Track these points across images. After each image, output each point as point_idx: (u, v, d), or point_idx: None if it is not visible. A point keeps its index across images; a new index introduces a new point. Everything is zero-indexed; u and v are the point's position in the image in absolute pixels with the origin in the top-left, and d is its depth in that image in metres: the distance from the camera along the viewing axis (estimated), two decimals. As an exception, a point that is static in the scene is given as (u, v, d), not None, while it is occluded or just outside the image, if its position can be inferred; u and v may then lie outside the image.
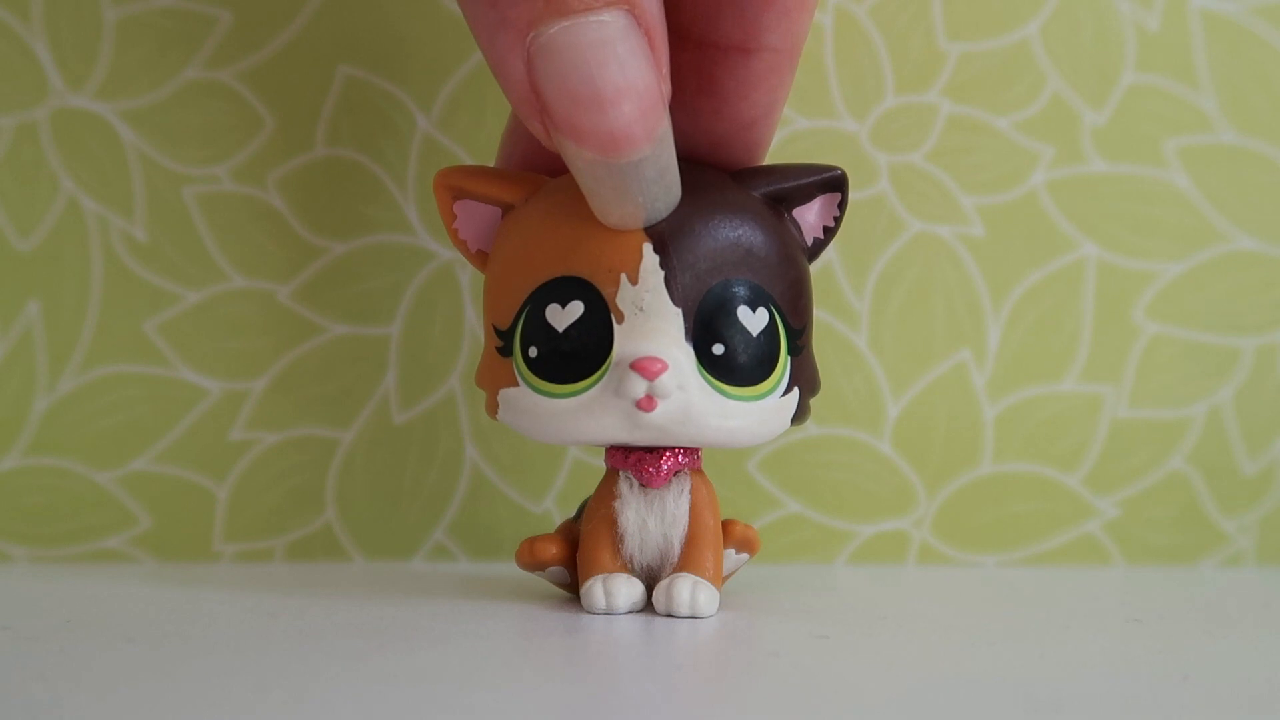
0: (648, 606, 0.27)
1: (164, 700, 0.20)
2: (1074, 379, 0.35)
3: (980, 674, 0.23)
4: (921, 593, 0.32)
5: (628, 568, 0.27)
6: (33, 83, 0.33)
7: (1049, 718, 0.20)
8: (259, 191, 0.34)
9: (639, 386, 0.26)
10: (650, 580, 0.28)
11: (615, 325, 0.26)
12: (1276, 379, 0.36)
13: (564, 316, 0.26)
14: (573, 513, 0.31)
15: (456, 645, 0.24)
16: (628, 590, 0.27)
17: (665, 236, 0.26)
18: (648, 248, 0.26)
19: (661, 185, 0.25)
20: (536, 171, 0.28)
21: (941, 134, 0.35)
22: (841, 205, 0.28)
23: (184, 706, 0.20)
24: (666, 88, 0.24)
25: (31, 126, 0.33)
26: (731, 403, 0.26)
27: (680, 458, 0.27)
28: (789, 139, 0.34)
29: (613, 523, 0.27)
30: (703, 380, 0.26)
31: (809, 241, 0.28)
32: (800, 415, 0.28)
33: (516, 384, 0.27)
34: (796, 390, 0.27)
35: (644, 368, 0.25)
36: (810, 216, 0.28)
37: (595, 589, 0.27)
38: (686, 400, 0.26)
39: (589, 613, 0.27)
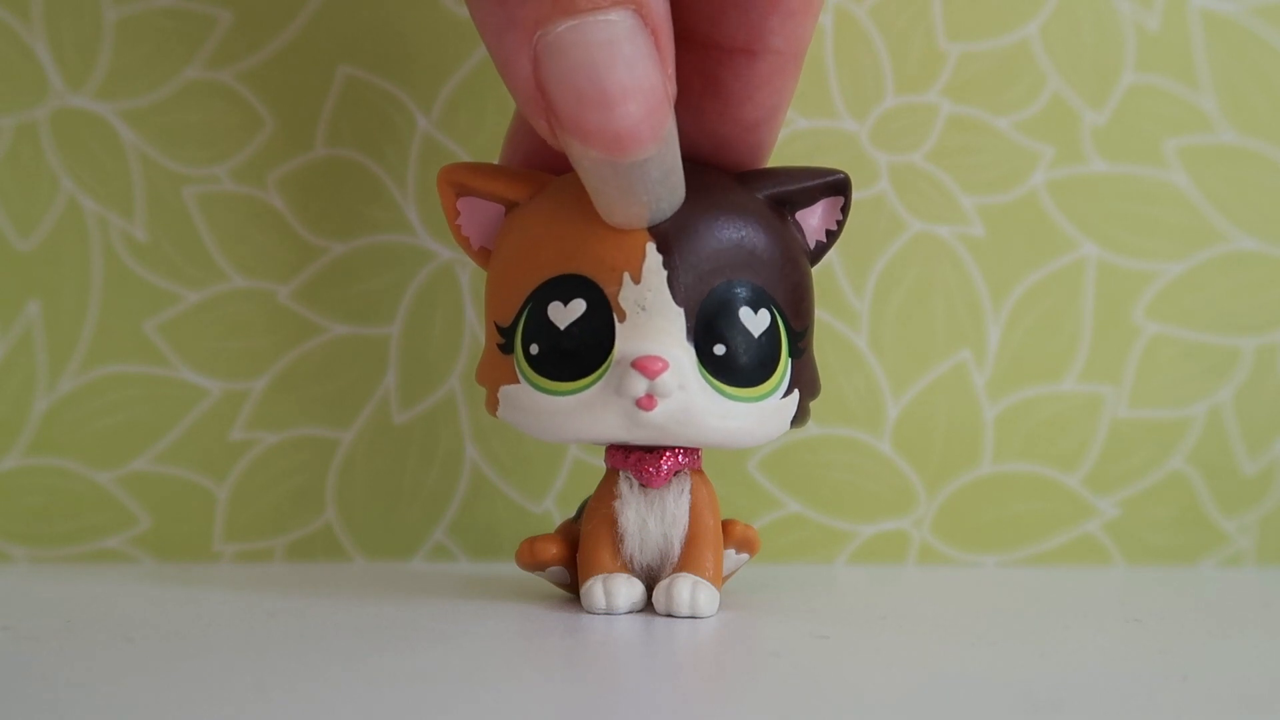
0: (648, 606, 0.27)
1: (164, 700, 0.20)
2: (1074, 379, 0.35)
3: (980, 674, 0.23)
4: (921, 593, 0.32)
5: (628, 568, 0.27)
6: (33, 83, 0.33)
7: (1049, 718, 0.20)
8: (259, 191, 0.34)
9: (639, 385, 0.26)
10: (650, 580, 0.28)
11: (617, 324, 0.26)
12: (1276, 379, 0.36)
13: (566, 314, 0.26)
14: (573, 513, 0.31)
15: (456, 645, 0.24)
16: (628, 590, 0.27)
17: (669, 236, 0.26)
18: (651, 247, 0.26)
19: (666, 185, 0.25)
20: (540, 170, 0.28)
21: (941, 134, 0.35)
22: (845, 209, 0.28)
23: (184, 706, 0.20)
24: (672, 88, 0.24)
25: (31, 126, 0.33)
26: (731, 403, 0.26)
27: (680, 458, 0.27)
28: (789, 139, 0.34)
29: (613, 523, 0.27)
30: (703, 380, 0.26)
31: (811, 245, 0.28)
32: (800, 418, 0.28)
33: (517, 381, 0.27)
34: (797, 392, 0.27)
35: (645, 366, 0.25)
36: (813, 220, 0.28)
37: (595, 589, 0.27)
38: (687, 400, 0.26)
39: (589, 613, 0.27)
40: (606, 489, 0.28)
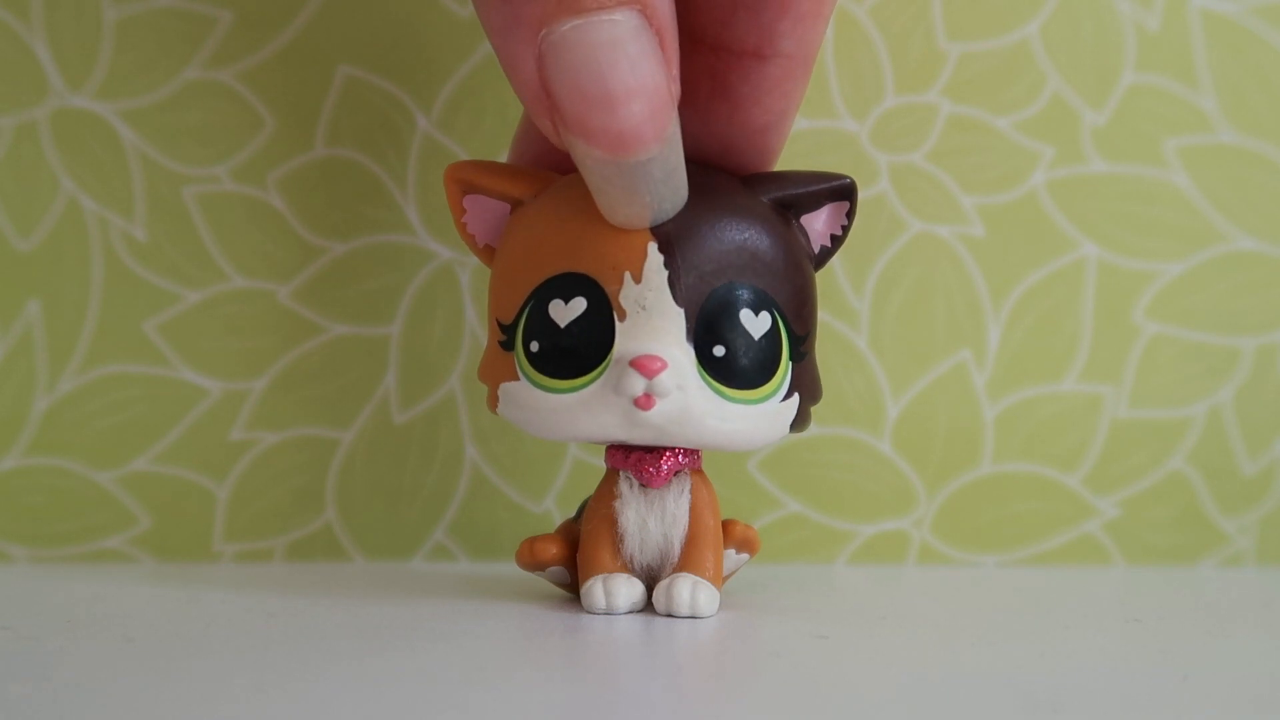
0: (648, 606, 0.27)
1: (164, 700, 0.20)
2: (1074, 379, 0.35)
3: (980, 674, 0.23)
4: (921, 593, 0.32)
5: (628, 568, 0.27)
6: (33, 83, 0.33)
7: (1049, 718, 0.20)
8: (259, 191, 0.34)
9: (638, 384, 0.26)
10: (650, 580, 0.28)
11: (617, 323, 0.26)
12: (1276, 379, 0.36)
13: (566, 312, 0.26)
14: (573, 513, 0.31)
15: (456, 645, 0.24)
16: (628, 590, 0.27)
17: (671, 236, 0.26)
18: (653, 247, 0.26)
19: (669, 186, 0.25)
20: (542, 169, 0.28)
21: (941, 134, 0.35)
22: (850, 214, 0.28)
23: (184, 706, 0.20)
24: (676, 88, 0.24)
25: (31, 126, 0.33)
26: (730, 405, 0.26)
27: (680, 458, 0.27)
28: (789, 139, 0.34)
29: (613, 523, 0.27)
30: (702, 381, 0.26)
31: (816, 249, 0.28)
32: (800, 422, 0.28)
33: (517, 378, 0.27)
34: (797, 396, 0.27)
35: (643, 365, 0.25)
36: (818, 224, 0.28)
37: (595, 589, 0.27)
38: (685, 400, 0.26)
39: (589, 613, 0.27)
40: (606, 489, 0.28)
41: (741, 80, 0.26)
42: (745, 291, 0.26)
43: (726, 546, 0.28)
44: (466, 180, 0.28)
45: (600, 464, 0.29)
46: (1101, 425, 0.36)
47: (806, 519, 0.35)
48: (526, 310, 0.27)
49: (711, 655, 0.24)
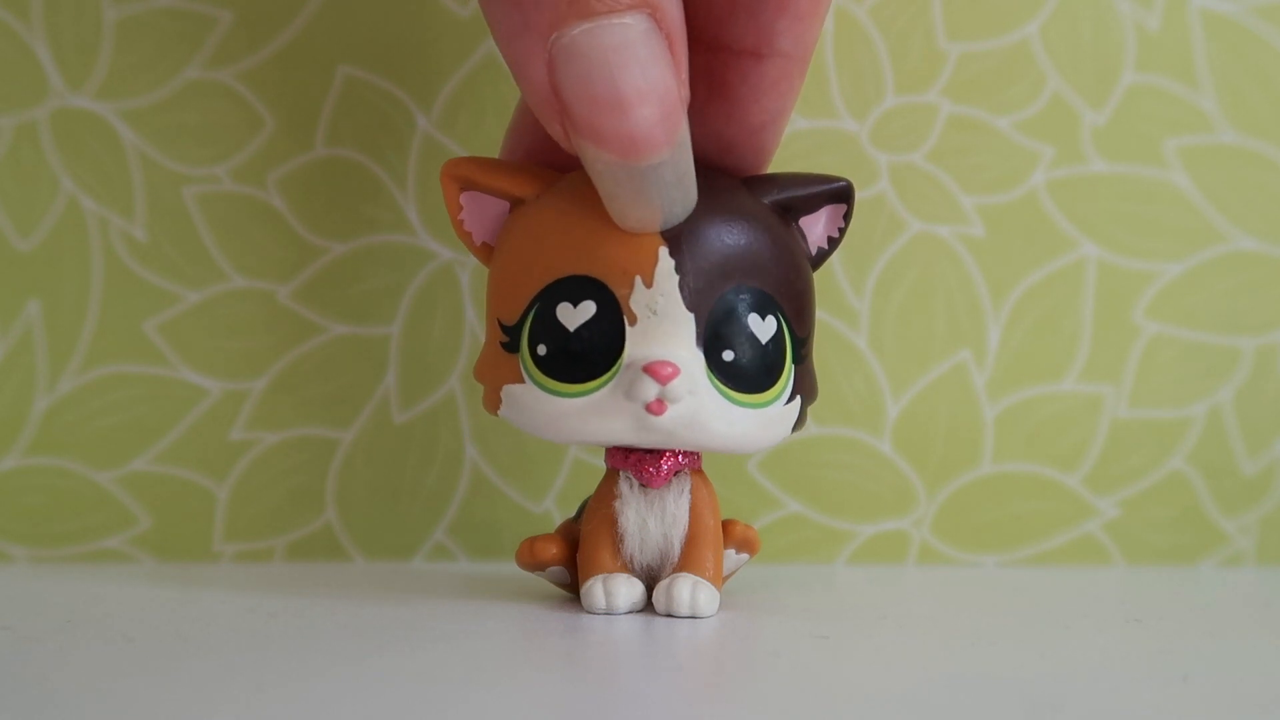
0: (648, 606, 0.27)
1: (164, 700, 0.20)
2: (1074, 379, 0.35)
3: (980, 674, 0.23)
4: (921, 593, 0.32)
5: (628, 568, 0.27)
6: (33, 83, 0.33)
7: (1049, 718, 0.20)
8: (259, 191, 0.34)
9: (650, 390, 0.26)
10: (650, 580, 0.28)
11: (627, 327, 0.26)
12: (1276, 379, 0.36)
13: (575, 316, 0.26)
14: (573, 513, 0.31)
15: (456, 645, 0.24)
16: (628, 590, 0.27)
17: (680, 240, 0.26)
18: (663, 251, 0.26)
19: (680, 189, 0.25)
20: (544, 166, 0.28)
21: (941, 134, 0.35)
22: (847, 217, 0.28)
23: (184, 706, 0.20)
24: (686, 91, 0.24)
25: (31, 126, 0.33)
26: (738, 409, 0.26)
27: (680, 458, 0.27)
28: (789, 138, 0.34)
29: (613, 523, 0.27)
30: (711, 386, 0.26)
31: (813, 251, 0.28)
32: (799, 423, 0.28)
33: (522, 380, 0.27)
34: (799, 398, 0.27)
35: (656, 371, 0.25)
36: (817, 227, 0.28)
37: (595, 589, 0.27)
38: (696, 405, 0.26)
39: (589, 613, 0.27)
40: (606, 489, 0.28)
41: (740, 79, 0.26)
42: (752, 295, 0.26)
43: (726, 546, 0.28)
44: (464, 177, 0.27)
45: (600, 464, 0.29)
46: (1101, 425, 0.36)
47: (806, 519, 0.35)
48: (532, 312, 0.27)
49: (711, 655, 0.24)
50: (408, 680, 0.21)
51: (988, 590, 0.32)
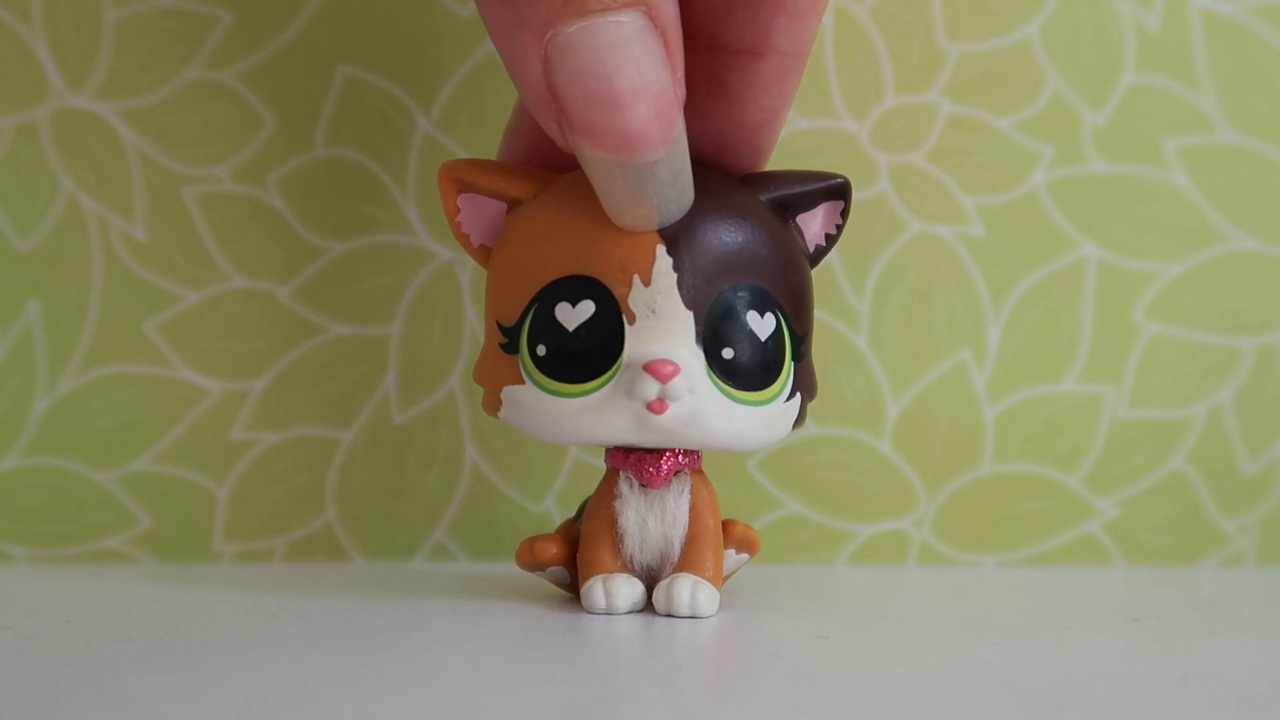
0: (648, 606, 0.27)
1: (164, 700, 0.20)
2: (1074, 379, 0.35)
3: (980, 674, 0.23)
4: (921, 593, 0.32)
5: (628, 568, 0.27)
6: (33, 83, 0.33)
7: (1049, 718, 0.20)
8: (259, 191, 0.34)
9: (651, 388, 0.26)
10: (650, 580, 0.28)
11: (627, 326, 0.26)
12: (1276, 379, 0.36)
13: (574, 315, 0.26)
14: (573, 513, 0.31)
15: (456, 645, 0.24)
16: (628, 590, 0.27)
17: (678, 238, 0.26)
18: (661, 249, 0.26)
19: (675, 187, 0.25)
20: (541, 167, 0.28)
21: (941, 134, 0.35)
22: (844, 214, 0.28)
23: (184, 706, 0.20)
24: (681, 90, 0.24)
25: (31, 126, 0.33)
26: (738, 407, 0.26)
27: (680, 458, 0.27)
28: (789, 138, 0.34)
29: (613, 523, 0.27)
30: (711, 384, 0.26)
31: (811, 249, 0.28)
32: (799, 421, 0.28)
33: (522, 381, 0.27)
34: (799, 396, 0.27)
35: (657, 370, 0.25)
36: (814, 224, 0.28)
37: (595, 589, 0.27)
38: (696, 403, 0.26)
39: (589, 613, 0.27)
40: (606, 489, 0.28)
41: (738, 78, 0.26)
42: (751, 293, 0.26)
43: (726, 546, 0.28)
44: (461, 179, 0.27)
45: (600, 464, 0.29)
46: (1101, 425, 0.36)
47: (806, 519, 0.35)
48: (531, 313, 0.27)
49: (711, 655, 0.24)
50: (408, 680, 0.21)
51: (988, 590, 0.32)
